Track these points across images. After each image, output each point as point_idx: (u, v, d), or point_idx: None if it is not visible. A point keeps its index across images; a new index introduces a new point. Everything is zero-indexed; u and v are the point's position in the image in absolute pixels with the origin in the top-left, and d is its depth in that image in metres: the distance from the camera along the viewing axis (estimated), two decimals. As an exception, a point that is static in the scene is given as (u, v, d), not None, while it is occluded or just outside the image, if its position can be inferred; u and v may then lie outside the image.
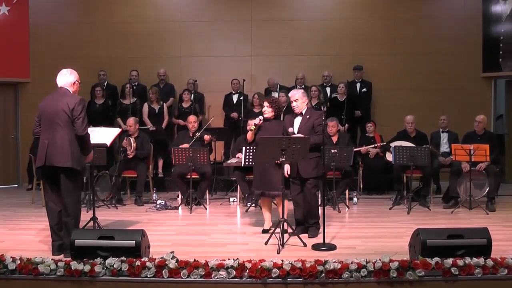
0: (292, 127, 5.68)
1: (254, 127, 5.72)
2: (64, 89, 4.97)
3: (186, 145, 7.68)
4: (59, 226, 4.91)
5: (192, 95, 9.42)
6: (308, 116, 5.66)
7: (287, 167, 5.57)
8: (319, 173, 5.60)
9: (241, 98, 9.45)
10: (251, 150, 6.52)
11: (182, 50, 10.17)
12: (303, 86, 9.37)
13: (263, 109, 5.79)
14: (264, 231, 5.82)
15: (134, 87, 9.53)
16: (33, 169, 7.88)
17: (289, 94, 5.88)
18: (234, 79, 9.65)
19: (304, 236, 5.45)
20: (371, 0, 10.12)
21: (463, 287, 4.02)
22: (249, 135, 5.81)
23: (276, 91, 9.55)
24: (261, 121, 5.74)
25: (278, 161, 5.25)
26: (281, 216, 5.29)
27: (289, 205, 5.77)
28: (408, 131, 8.04)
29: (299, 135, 5.55)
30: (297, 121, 5.72)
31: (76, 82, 5.04)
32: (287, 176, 5.59)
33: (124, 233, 4.46)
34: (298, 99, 5.66)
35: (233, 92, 9.70)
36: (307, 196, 5.68)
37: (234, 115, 9.43)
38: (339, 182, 7.54)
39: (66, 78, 4.99)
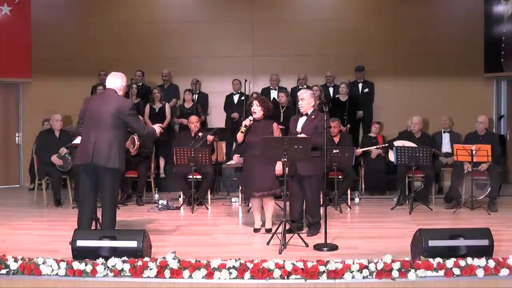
0: (296, 126, 5.69)
1: (245, 128, 5.70)
2: (113, 91, 5.02)
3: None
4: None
5: (196, 96, 9.42)
6: (313, 117, 5.66)
7: (279, 167, 5.60)
8: (317, 173, 5.59)
9: (242, 98, 9.44)
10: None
11: (183, 51, 10.16)
12: (305, 86, 9.36)
13: (253, 109, 5.78)
14: (256, 230, 5.89)
15: (139, 87, 9.53)
16: (35, 169, 7.88)
17: (298, 93, 5.91)
18: (235, 79, 9.64)
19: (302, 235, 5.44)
20: (374, 1, 10.11)
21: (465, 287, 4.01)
22: (239, 136, 5.79)
23: (275, 89, 9.54)
24: (252, 122, 5.73)
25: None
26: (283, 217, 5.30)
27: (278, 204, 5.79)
28: (413, 132, 8.03)
29: (302, 134, 5.56)
30: (301, 120, 5.73)
31: (125, 87, 5.13)
32: (278, 174, 5.64)
33: (126, 234, 4.46)
34: (304, 99, 5.68)
35: (234, 92, 9.69)
36: (307, 195, 5.69)
37: (235, 115, 9.41)
38: (340, 183, 7.53)
39: (118, 81, 5.06)
